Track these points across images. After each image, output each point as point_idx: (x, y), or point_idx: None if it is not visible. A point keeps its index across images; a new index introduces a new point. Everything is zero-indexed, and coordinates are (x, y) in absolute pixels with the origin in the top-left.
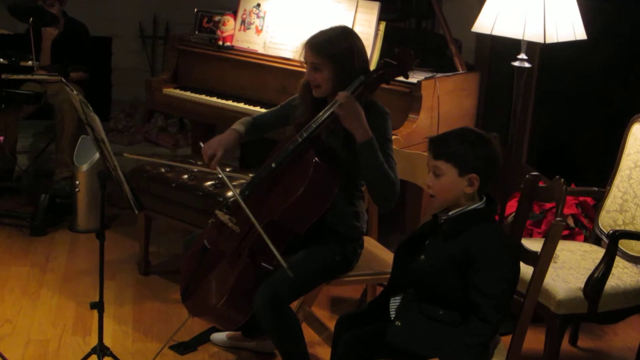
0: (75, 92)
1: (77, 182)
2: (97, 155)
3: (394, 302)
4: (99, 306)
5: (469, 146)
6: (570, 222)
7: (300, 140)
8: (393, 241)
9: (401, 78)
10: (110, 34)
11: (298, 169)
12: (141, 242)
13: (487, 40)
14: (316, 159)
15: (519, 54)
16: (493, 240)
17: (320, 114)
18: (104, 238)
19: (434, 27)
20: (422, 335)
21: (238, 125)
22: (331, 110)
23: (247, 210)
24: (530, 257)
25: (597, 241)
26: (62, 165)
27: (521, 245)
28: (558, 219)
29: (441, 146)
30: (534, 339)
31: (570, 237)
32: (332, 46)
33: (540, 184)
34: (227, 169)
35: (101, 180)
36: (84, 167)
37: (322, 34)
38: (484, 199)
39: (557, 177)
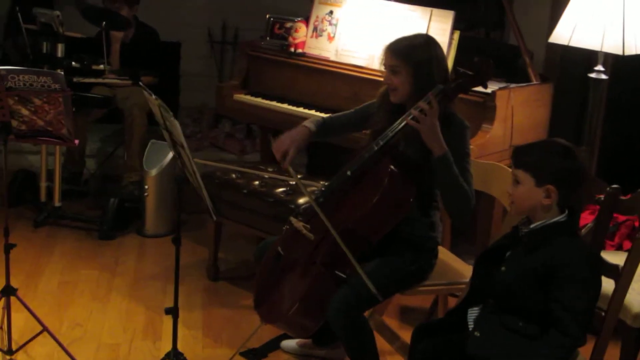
0: (154, 97)
1: (146, 187)
2: (167, 160)
3: (472, 313)
4: (173, 311)
5: (549, 157)
6: None
7: (376, 148)
8: (462, 251)
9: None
10: (179, 39)
11: (373, 177)
12: (210, 248)
13: (558, 51)
14: (392, 167)
15: (594, 65)
16: (576, 254)
17: (398, 122)
18: (180, 243)
19: (502, 38)
20: (501, 346)
21: (309, 123)
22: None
23: (324, 217)
24: (611, 270)
25: None
26: (131, 170)
27: (602, 259)
28: None
29: (521, 155)
30: (607, 352)
31: None
32: (412, 52)
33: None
34: (298, 176)
35: (178, 185)
36: (153, 172)
37: (404, 39)
38: (566, 211)
39: None
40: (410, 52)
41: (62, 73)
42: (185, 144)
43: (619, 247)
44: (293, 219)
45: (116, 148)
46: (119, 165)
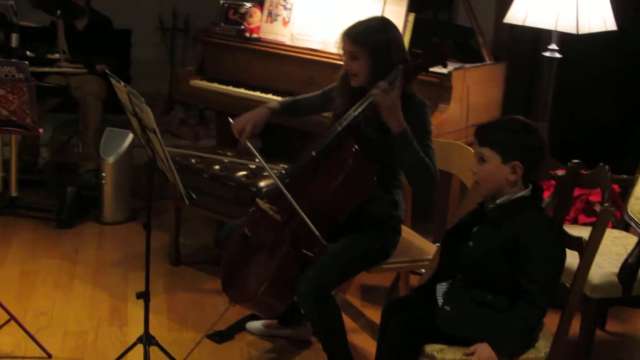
0: (122, 84)
1: (104, 175)
2: (124, 147)
3: (441, 288)
4: (145, 295)
5: (513, 135)
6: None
7: (339, 129)
8: (419, 230)
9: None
10: (129, 27)
11: (338, 157)
12: (171, 233)
13: (505, 31)
14: (356, 147)
15: (542, 44)
16: (542, 227)
17: (359, 103)
18: (150, 228)
19: (450, 18)
20: (471, 319)
21: (272, 103)
22: (369, 100)
23: (291, 198)
24: (575, 243)
25: (625, 227)
26: (87, 158)
27: (564, 232)
28: (606, 204)
29: (486, 133)
30: None
31: None
32: (369, 36)
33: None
34: (256, 160)
35: (148, 171)
36: (110, 160)
37: (359, 24)
38: (530, 186)
39: (601, 164)
40: (367, 37)
41: (27, 63)
42: (157, 130)
43: (574, 221)
44: (259, 201)
45: (70, 137)
46: (73, 154)
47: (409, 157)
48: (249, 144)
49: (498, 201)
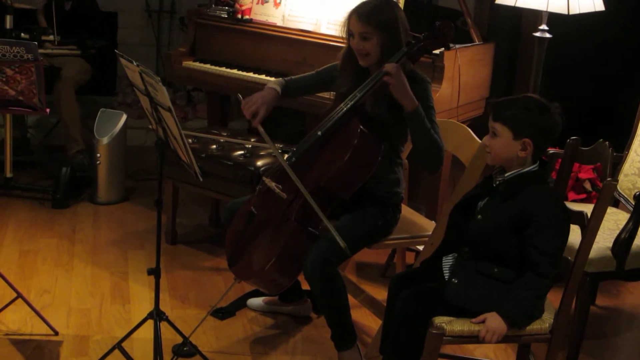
0: (135, 63)
1: (98, 155)
2: (117, 128)
3: (447, 261)
4: (156, 272)
5: (527, 112)
6: (588, 186)
7: (345, 108)
8: (410, 207)
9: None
10: (116, 9)
11: (344, 137)
12: (168, 212)
13: (485, 12)
14: (361, 127)
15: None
16: (549, 201)
17: (366, 83)
18: (162, 205)
19: (431, 1)
20: (479, 291)
21: (274, 85)
22: (377, 79)
23: (295, 178)
24: (576, 217)
25: (615, 204)
26: (71, 141)
27: (566, 207)
28: (609, 179)
29: (500, 109)
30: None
31: (588, 200)
32: (381, 16)
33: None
34: (252, 139)
35: (159, 149)
36: (105, 140)
37: (367, 4)
38: (537, 162)
39: (601, 140)
40: (379, 17)
41: (36, 43)
42: (172, 108)
43: (564, 198)
44: (266, 179)
45: (59, 121)
46: (60, 135)
47: (421, 133)
48: (261, 129)
49: (507, 175)
